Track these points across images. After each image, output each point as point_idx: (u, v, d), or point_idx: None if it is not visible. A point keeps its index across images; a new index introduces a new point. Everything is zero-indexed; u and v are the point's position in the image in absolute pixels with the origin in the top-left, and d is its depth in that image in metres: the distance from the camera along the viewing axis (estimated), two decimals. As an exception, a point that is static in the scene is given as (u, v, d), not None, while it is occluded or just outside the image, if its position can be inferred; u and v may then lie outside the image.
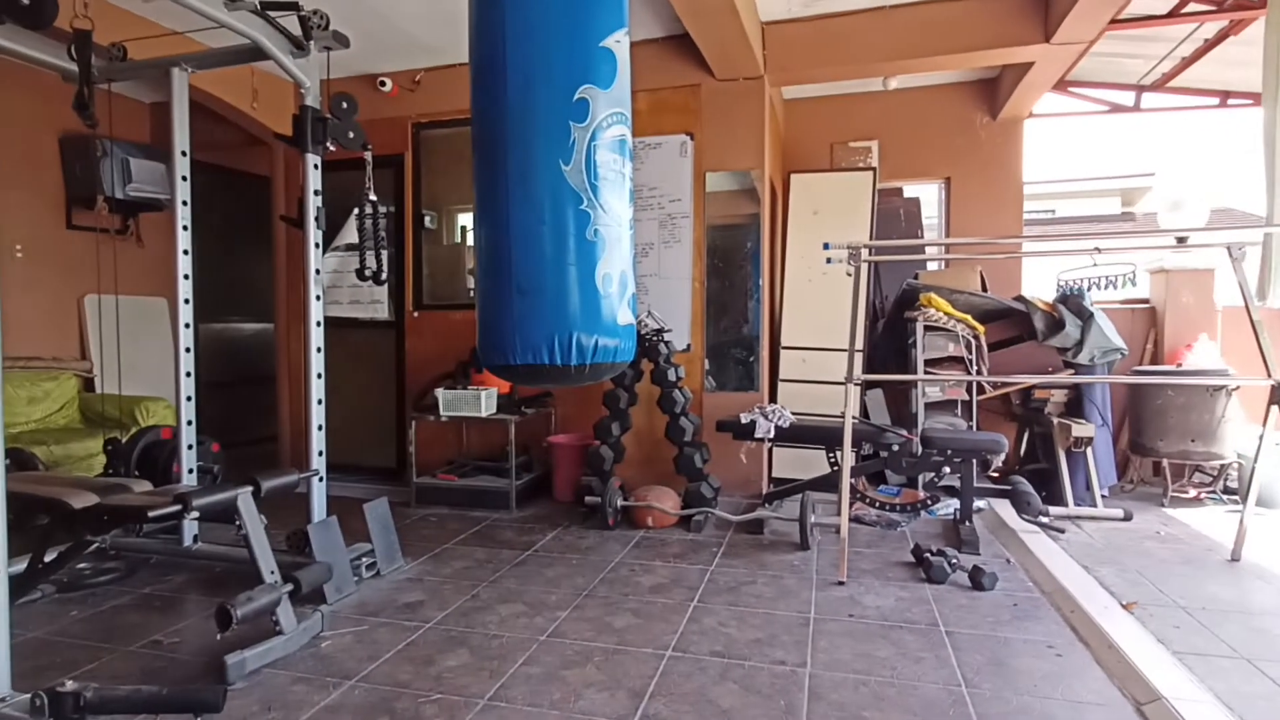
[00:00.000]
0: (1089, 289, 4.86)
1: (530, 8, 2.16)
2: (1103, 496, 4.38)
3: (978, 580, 3.14)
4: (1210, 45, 4.33)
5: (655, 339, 4.24)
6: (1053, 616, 2.85)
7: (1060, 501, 4.28)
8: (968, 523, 3.80)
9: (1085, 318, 4.61)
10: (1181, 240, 4.10)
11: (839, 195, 5.29)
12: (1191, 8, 3.91)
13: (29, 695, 1.92)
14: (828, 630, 2.74)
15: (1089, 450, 4.34)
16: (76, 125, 3.50)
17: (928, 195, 5.94)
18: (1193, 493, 4.63)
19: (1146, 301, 5.25)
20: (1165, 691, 2.16)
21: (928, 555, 3.31)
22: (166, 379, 4.12)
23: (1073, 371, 4.68)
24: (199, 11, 2.68)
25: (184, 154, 3.38)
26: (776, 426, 3.95)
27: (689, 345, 4.77)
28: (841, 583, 3.23)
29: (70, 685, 1.90)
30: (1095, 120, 5.75)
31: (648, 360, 4.27)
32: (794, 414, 4.10)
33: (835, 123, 5.66)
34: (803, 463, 4.85)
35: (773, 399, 4.92)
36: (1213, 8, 3.90)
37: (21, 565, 2.78)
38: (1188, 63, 4.63)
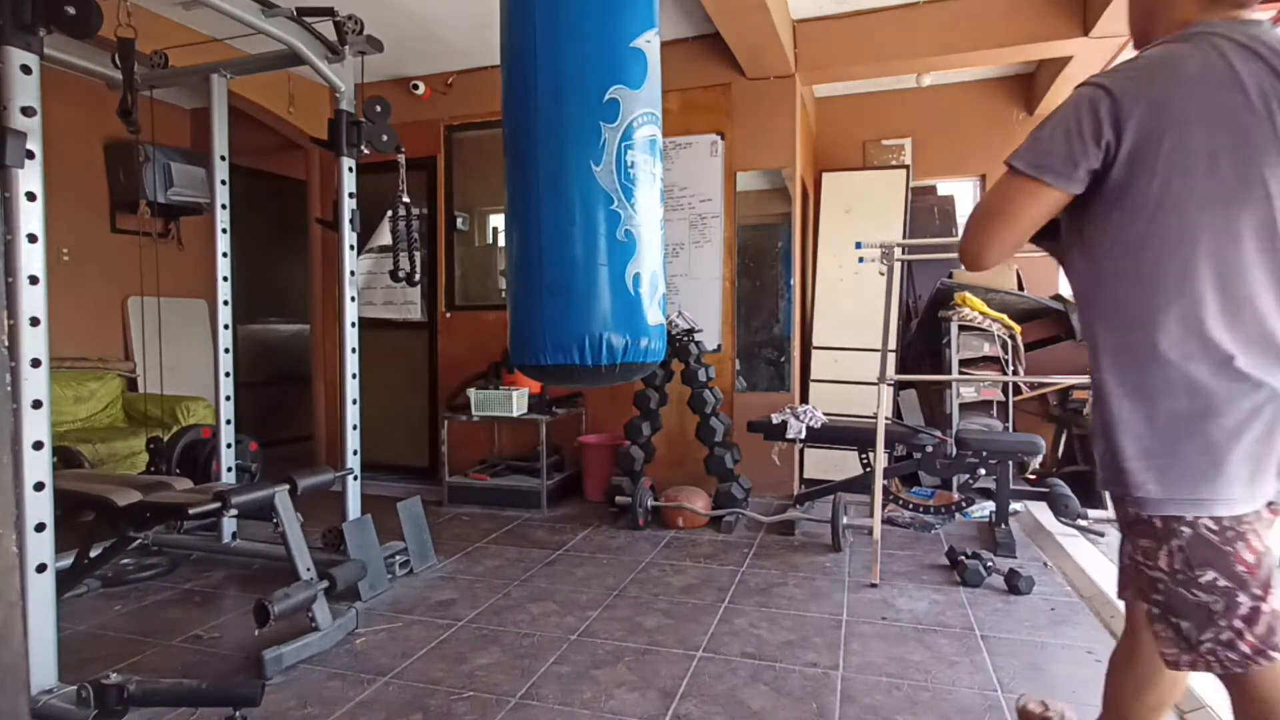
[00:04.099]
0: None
1: (561, 9, 2.16)
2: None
3: (1014, 584, 3.09)
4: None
5: (685, 339, 4.23)
6: (1091, 621, 2.79)
7: (1099, 504, 4.19)
8: (1003, 525, 3.74)
9: (1126, 317, 4.50)
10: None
11: (871, 193, 5.24)
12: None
13: (75, 687, 1.98)
14: (860, 633, 2.72)
15: (1129, 452, 4.24)
16: (120, 132, 3.57)
17: (963, 193, 5.85)
18: (1238, 496, 4.50)
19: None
20: (1210, 700, 2.10)
21: (962, 558, 3.26)
22: (206, 379, 4.21)
23: (1112, 372, 4.57)
24: (237, 18, 2.73)
25: (223, 158, 3.45)
26: (808, 427, 3.92)
27: (719, 345, 4.76)
28: (874, 585, 3.19)
29: (114, 678, 1.96)
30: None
31: (678, 360, 4.26)
32: (826, 415, 4.06)
33: (867, 120, 5.61)
34: (835, 464, 4.82)
35: (804, 399, 4.89)
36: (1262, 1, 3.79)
37: (68, 560, 2.86)
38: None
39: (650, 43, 2.26)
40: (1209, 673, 1.26)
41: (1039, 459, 3.82)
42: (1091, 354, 1.35)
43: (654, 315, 2.34)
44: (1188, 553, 1.24)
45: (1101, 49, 4.15)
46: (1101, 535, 3.81)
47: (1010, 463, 3.74)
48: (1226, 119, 1.21)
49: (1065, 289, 5.17)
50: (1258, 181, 1.21)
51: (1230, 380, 1.21)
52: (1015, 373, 4.59)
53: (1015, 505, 4.13)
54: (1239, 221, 1.21)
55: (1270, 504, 1.26)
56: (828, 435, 4.00)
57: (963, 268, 1.45)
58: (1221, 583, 1.22)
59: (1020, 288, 4.89)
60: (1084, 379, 4.49)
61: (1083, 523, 3.90)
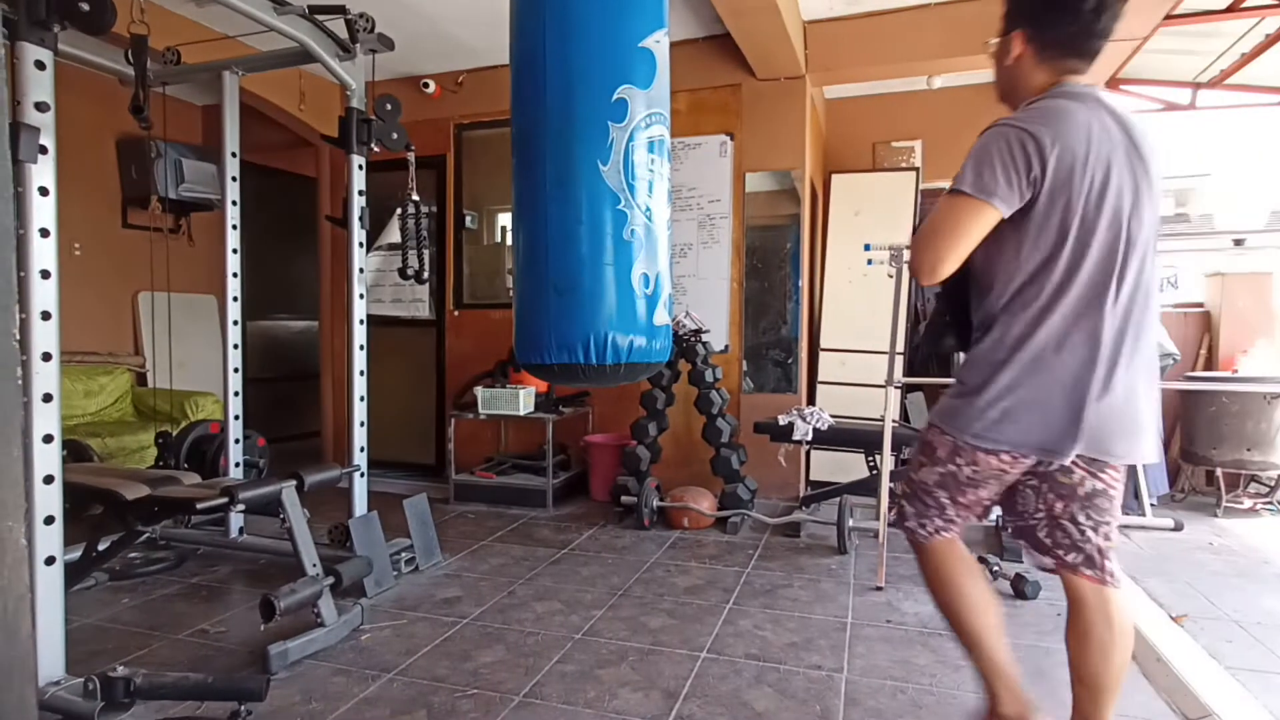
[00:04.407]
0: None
1: (570, 9, 2.17)
2: (1152, 505, 4.26)
3: (1020, 588, 3.07)
4: (1272, 40, 4.18)
5: (693, 339, 4.23)
6: (1098, 627, 2.77)
7: (1107, 510, 4.16)
8: (1010, 530, 3.72)
9: (1135, 321, 4.48)
10: (1239, 242, 3.97)
11: (881, 196, 5.22)
12: (1252, 1, 3.77)
13: (82, 679, 1.99)
14: (865, 636, 2.71)
15: (1138, 458, 4.21)
16: (132, 128, 3.59)
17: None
18: (1248, 503, 4.48)
19: (1201, 305, 5.10)
20: (1216, 707, 2.09)
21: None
22: (215, 374, 4.22)
23: (1122, 376, 4.55)
24: (249, 16, 2.74)
25: (234, 155, 3.46)
26: (815, 429, 3.91)
27: (727, 346, 4.75)
28: (879, 588, 3.18)
29: (121, 671, 1.96)
30: (1148, 118, 5.59)
31: (685, 361, 4.26)
32: (833, 417, 4.05)
33: (877, 122, 5.58)
34: (841, 466, 4.80)
35: (811, 401, 4.88)
36: (1275, 2, 3.76)
37: (76, 553, 2.87)
38: (1248, 59, 4.47)
39: (659, 43, 2.26)
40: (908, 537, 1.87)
41: (1047, 463, 3.80)
42: (989, 334, 1.66)
43: (660, 315, 2.34)
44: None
45: (1114, 52, 4.13)
46: (1109, 541, 3.78)
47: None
48: (1107, 160, 1.54)
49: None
50: (1122, 211, 1.56)
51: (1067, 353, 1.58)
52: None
53: (1022, 510, 4.11)
54: (1107, 243, 1.56)
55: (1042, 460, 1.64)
56: (834, 437, 3.99)
57: (918, 281, 1.69)
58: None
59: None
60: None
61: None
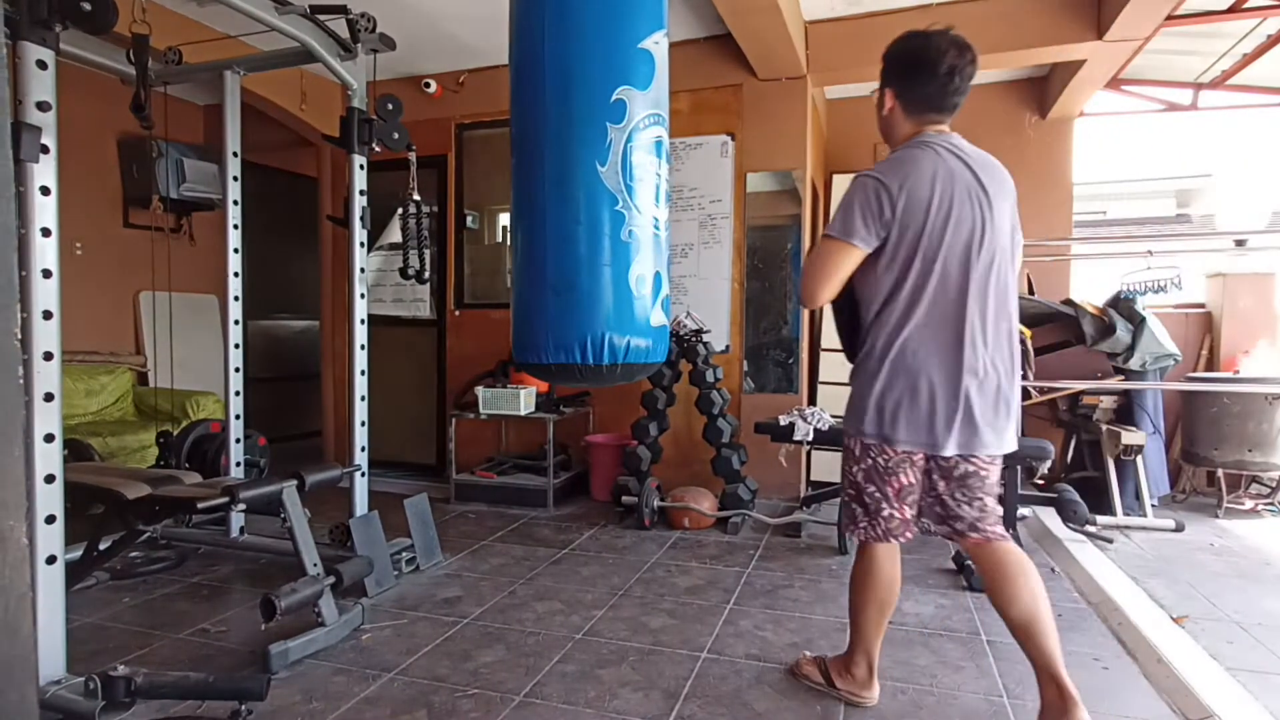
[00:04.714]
0: (1142, 293, 4.71)
1: (570, 9, 2.17)
2: (1153, 506, 4.25)
3: (1020, 589, 3.07)
4: (1274, 41, 4.17)
5: (693, 340, 4.22)
6: (1099, 628, 2.78)
7: (1108, 511, 4.16)
8: (1011, 531, 3.72)
9: (1137, 322, 4.48)
10: (1240, 243, 3.97)
11: (882, 196, 5.21)
12: (1254, 2, 3.77)
13: (83, 678, 1.99)
14: (865, 636, 2.70)
15: (1139, 458, 4.22)
16: (134, 127, 3.59)
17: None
18: (1249, 504, 4.48)
19: (1202, 306, 5.09)
20: (1218, 708, 2.09)
21: (969, 563, 3.25)
22: (216, 374, 4.23)
23: (1123, 377, 4.55)
24: (251, 15, 2.74)
25: (235, 155, 3.46)
26: (816, 429, 3.91)
27: (728, 346, 4.75)
28: (880, 588, 3.18)
29: (122, 670, 1.96)
30: (1150, 119, 5.58)
31: (686, 361, 4.26)
32: (833, 417, 4.05)
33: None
34: (842, 466, 4.80)
35: (812, 401, 4.88)
36: (1276, 3, 3.76)
37: (77, 553, 2.87)
38: (1249, 59, 4.47)
39: (658, 44, 2.26)
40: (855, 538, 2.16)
41: (1048, 464, 3.80)
42: (864, 345, 2.01)
43: (657, 316, 2.34)
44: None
45: (1115, 53, 4.12)
46: (1110, 541, 3.79)
47: (1018, 467, 3.71)
48: (950, 200, 1.87)
49: (1078, 293, 5.14)
50: (967, 237, 1.88)
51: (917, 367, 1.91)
52: (1025, 377, 4.56)
53: (1023, 510, 4.11)
54: (955, 265, 1.88)
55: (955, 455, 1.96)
56: (835, 438, 3.98)
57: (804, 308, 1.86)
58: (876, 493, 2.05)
59: (1031, 292, 4.86)
60: (1094, 384, 4.47)
61: (1091, 529, 3.88)
